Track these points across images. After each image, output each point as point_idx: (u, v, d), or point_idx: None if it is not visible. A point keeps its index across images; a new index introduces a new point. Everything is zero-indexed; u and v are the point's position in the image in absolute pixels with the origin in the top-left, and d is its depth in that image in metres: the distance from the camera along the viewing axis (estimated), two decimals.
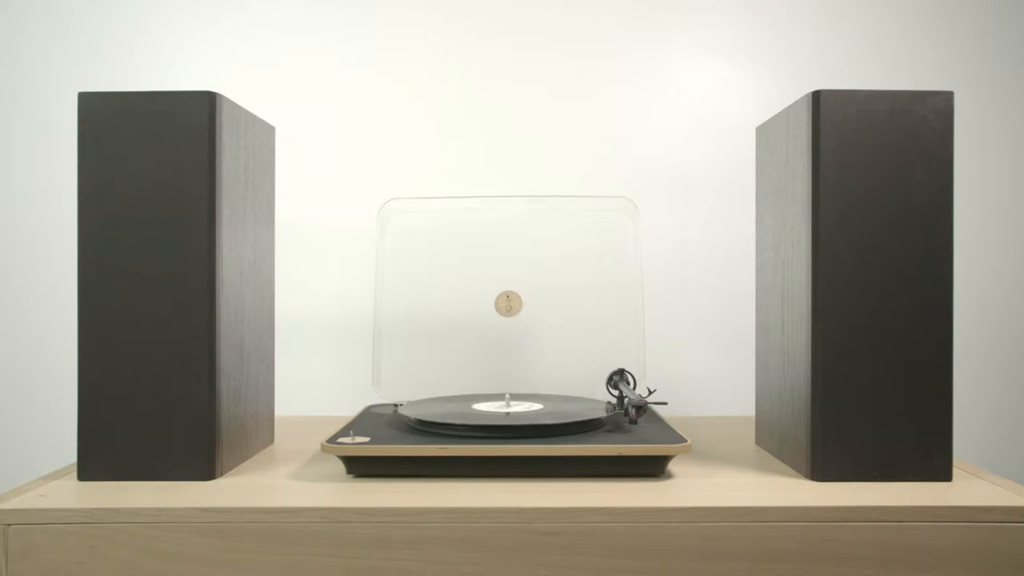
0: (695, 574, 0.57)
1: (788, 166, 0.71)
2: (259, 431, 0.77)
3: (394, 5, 1.06)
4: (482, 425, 0.69)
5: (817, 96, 0.65)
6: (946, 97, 0.65)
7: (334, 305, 1.06)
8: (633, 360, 0.84)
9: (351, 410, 1.00)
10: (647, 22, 1.06)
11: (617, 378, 0.82)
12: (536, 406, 0.78)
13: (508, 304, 0.82)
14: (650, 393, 0.77)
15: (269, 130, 0.80)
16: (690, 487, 0.63)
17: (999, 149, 1.07)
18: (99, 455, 0.65)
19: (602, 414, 0.73)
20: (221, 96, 0.66)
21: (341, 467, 0.68)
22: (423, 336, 1.04)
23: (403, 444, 0.66)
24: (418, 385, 0.89)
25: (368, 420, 0.77)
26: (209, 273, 0.65)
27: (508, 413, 0.74)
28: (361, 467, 0.67)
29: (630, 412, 0.71)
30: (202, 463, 0.65)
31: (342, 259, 1.06)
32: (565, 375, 1.04)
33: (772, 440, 0.76)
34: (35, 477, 0.70)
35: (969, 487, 0.63)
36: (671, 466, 0.69)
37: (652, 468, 0.66)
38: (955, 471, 0.67)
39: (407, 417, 0.74)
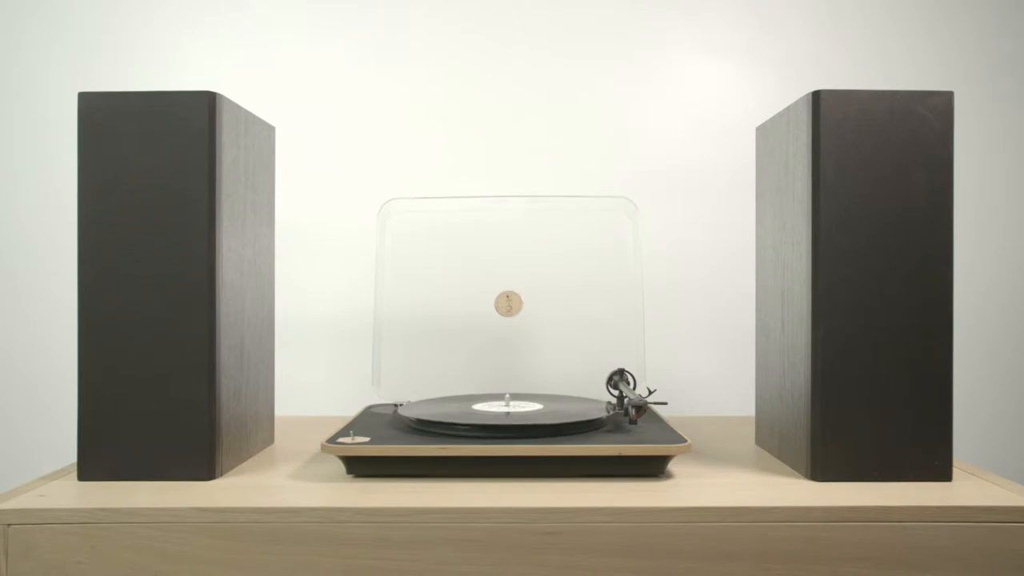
0: (695, 574, 0.57)
1: (788, 166, 0.71)
2: (259, 431, 0.77)
3: (394, 5, 1.06)
4: (482, 425, 0.69)
5: (817, 96, 0.65)
6: (946, 97, 0.65)
7: (334, 305, 1.06)
8: (633, 360, 0.84)
9: (351, 410, 1.00)
10: (647, 22, 1.06)
11: (617, 378, 0.81)
12: (536, 406, 0.78)
13: (508, 304, 0.82)
14: (650, 393, 0.77)
15: (269, 130, 0.80)
16: (690, 487, 0.63)
17: (999, 149, 1.07)
18: (99, 455, 0.65)
19: (602, 414, 0.73)
20: (221, 96, 0.66)
21: (341, 467, 0.68)
22: (423, 336, 1.04)
23: (403, 444, 0.66)
24: (418, 385, 0.89)
25: (368, 420, 0.77)
26: (209, 273, 0.65)
27: (508, 413, 0.74)
28: (361, 467, 0.67)
29: (630, 412, 0.71)
30: (202, 463, 0.65)
31: (342, 259, 1.06)
32: (565, 375, 1.04)
33: (772, 440, 0.76)
34: (35, 477, 0.70)
35: (969, 487, 0.63)
36: (671, 466, 0.69)
37: (652, 468, 0.66)
38: (955, 471, 0.67)
39: (407, 417, 0.74)
